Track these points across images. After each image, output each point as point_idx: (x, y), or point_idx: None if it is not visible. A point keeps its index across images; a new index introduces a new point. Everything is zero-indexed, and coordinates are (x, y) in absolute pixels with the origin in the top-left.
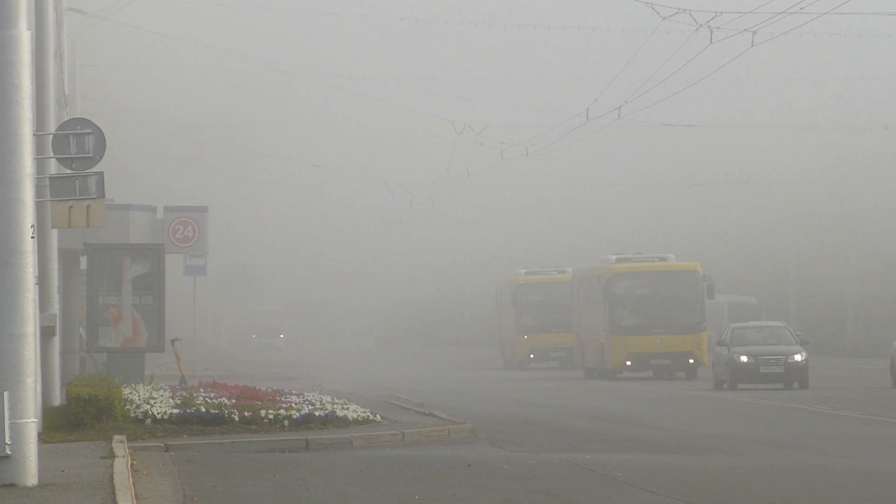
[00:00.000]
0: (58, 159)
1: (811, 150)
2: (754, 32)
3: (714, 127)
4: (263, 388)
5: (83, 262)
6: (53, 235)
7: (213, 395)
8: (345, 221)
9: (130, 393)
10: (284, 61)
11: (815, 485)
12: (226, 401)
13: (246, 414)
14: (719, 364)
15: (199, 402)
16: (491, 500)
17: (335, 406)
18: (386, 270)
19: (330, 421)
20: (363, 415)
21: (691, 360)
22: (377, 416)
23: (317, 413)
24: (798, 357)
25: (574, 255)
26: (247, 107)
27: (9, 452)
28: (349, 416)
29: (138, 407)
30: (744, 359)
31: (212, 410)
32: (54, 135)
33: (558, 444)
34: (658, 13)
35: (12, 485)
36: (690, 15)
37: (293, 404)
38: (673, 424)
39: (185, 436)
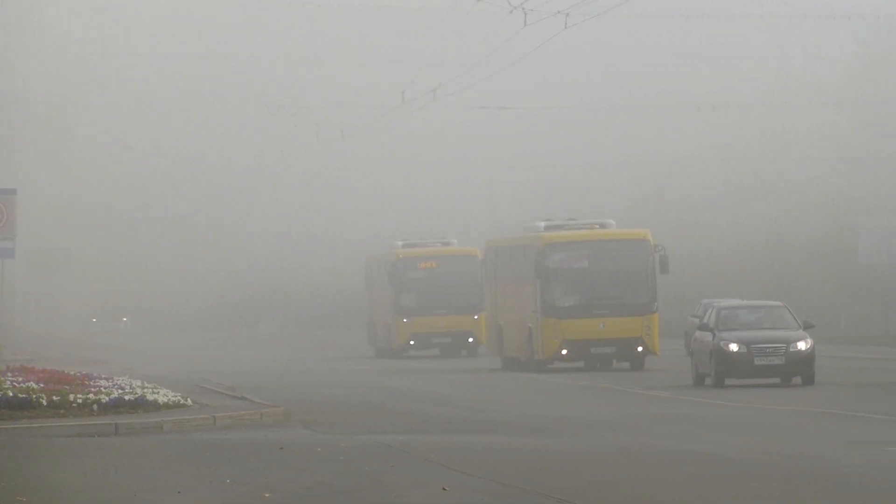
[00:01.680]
0: None
1: (626, 133)
2: (567, 15)
3: (530, 109)
4: (73, 373)
5: None
6: None
7: (20, 379)
8: (157, 205)
9: None
10: (97, 39)
11: (631, 465)
12: (34, 385)
13: (54, 398)
14: (702, 353)
15: (5, 386)
16: (303, 483)
17: (145, 390)
18: (200, 255)
19: (140, 405)
20: (174, 399)
21: (640, 348)
22: (188, 400)
23: (126, 397)
24: (802, 345)
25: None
26: (59, 86)
27: None
28: (159, 400)
29: None
30: (734, 347)
31: (19, 395)
32: None
33: (373, 427)
34: None
35: None
36: None
37: (102, 388)
38: (495, 406)
39: None
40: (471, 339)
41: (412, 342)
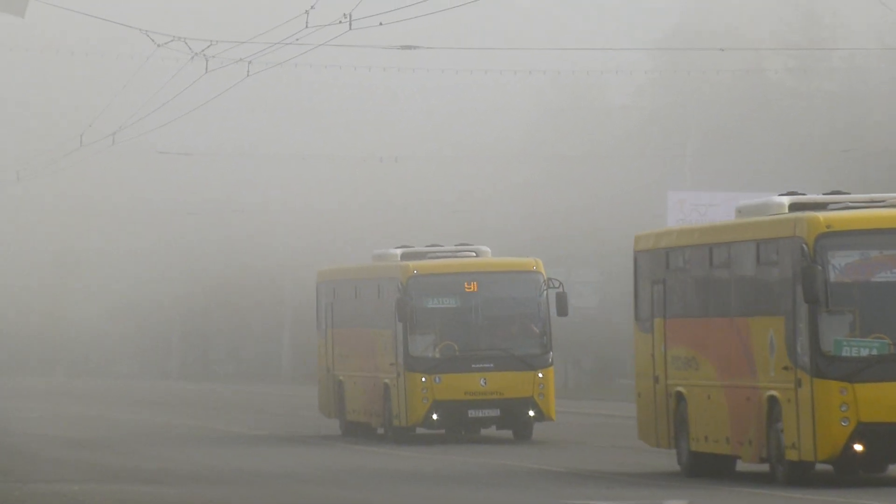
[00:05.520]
0: None
1: (302, 181)
2: (250, 62)
3: (210, 155)
4: None
5: None
6: None
7: None
8: None
9: None
10: None
11: None
12: None
13: None
14: None
15: None
16: None
17: None
18: None
19: None
20: None
21: (531, 413)
22: None
23: None
24: None
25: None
26: None
27: None
28: None
29: None
30: None
31: None
32: None
33: (48, 475)
34: (153, 40)
35: None
36: (186, 43)
37: None
38: (166, 454)
39: None
40: (531, 413)
41: (434, 416)
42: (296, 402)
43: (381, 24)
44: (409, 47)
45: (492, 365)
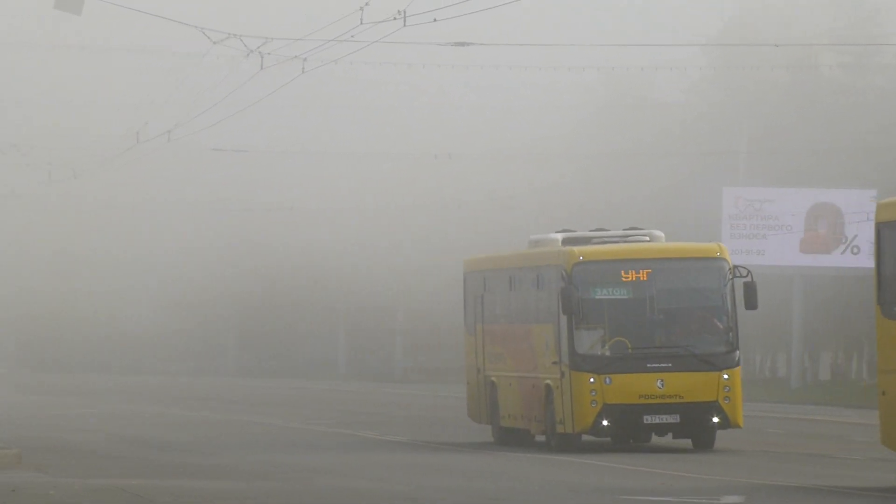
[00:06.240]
0: None
1: (365, 179)
2: (305, 59)
3: (265, 153)
4: None
5: None
6: None
7: None
8: None
9: None
10: None
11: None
12: None
13: None
14: None
15: None
16: None
17: None
18: None
19: None
20: None
21: (715, 419)
22: None
23: None
24: None
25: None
26: None
27: None
28: None
29: None
30: None
31: None
32: None
33: (108, 471)
34: (209, 37)
35: None
36: (241, 40)
37: None
38: (225, 452)
39: None
40: (715, 419)
41: (605, 422)
42: (355, 399)
43: (434, 20)
44: (463, 44)
45: (670, 364)
